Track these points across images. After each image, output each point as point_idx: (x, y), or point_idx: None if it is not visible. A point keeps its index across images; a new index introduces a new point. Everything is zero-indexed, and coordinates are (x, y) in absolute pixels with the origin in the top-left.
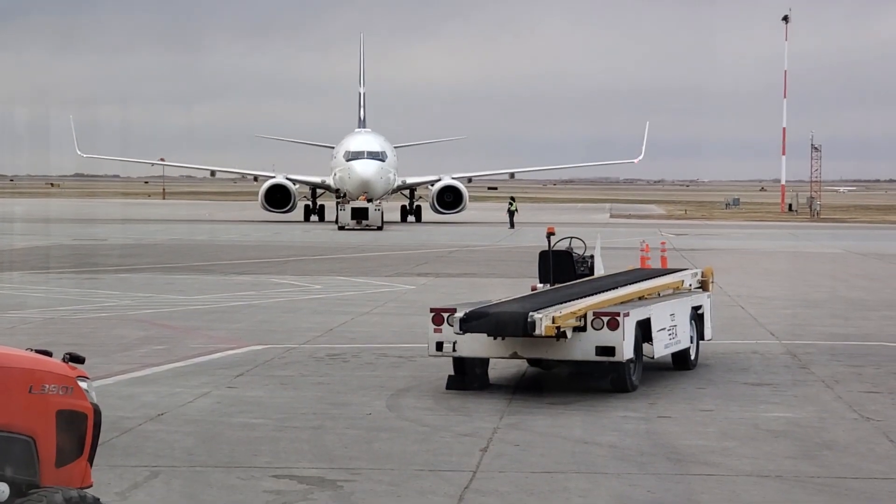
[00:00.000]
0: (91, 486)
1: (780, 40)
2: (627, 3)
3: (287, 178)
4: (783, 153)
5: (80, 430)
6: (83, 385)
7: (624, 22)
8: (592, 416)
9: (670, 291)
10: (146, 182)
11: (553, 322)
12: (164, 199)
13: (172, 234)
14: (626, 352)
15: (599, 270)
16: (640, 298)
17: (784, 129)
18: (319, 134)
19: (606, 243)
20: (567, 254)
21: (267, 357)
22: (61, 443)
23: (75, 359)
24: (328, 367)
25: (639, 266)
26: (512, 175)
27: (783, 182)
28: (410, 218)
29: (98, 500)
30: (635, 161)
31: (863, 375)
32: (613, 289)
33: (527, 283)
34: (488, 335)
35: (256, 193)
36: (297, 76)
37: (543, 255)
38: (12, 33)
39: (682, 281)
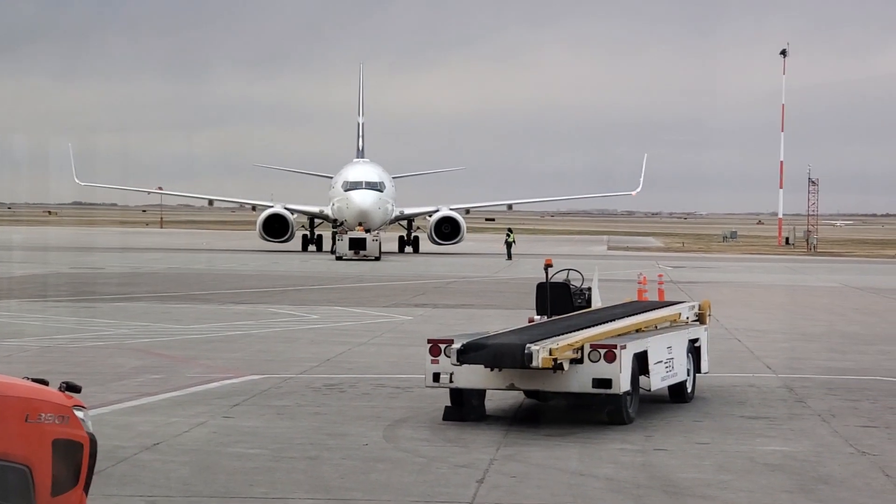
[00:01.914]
0: None
1: (778, 74)
2: (627, 36)
3: (285, 208)
4: (780, 186)
5: (75, 460)
6: (79, 414)
7: (623, 54)
8: (589, 449)
9: (667, 324)
10: (144, 210)
11: (550, 354)
12: (161, 227)
13: (170, 263)
14: (623, 384)
15: (597, 303)
16: (637, 331)
17: (781, 162)
18: (318, 163)
19: (604, 275)
20: (564, 286)
21: (264, 387)
22: (57, 472)
23: (72, 388)
24: (325, 398)
25: (636, 298)
26: (510, 206)
27: (780, 215)
28: (408, 248)
29: None
30: (633, 193)
31: (859, 410)
32: (611, 321)
33: (524, 314)
34: (485, 366)
35: (254, 223)
36: (297, 105)
37: (541, 287)
38: (12, 61)
39: (680, 314)
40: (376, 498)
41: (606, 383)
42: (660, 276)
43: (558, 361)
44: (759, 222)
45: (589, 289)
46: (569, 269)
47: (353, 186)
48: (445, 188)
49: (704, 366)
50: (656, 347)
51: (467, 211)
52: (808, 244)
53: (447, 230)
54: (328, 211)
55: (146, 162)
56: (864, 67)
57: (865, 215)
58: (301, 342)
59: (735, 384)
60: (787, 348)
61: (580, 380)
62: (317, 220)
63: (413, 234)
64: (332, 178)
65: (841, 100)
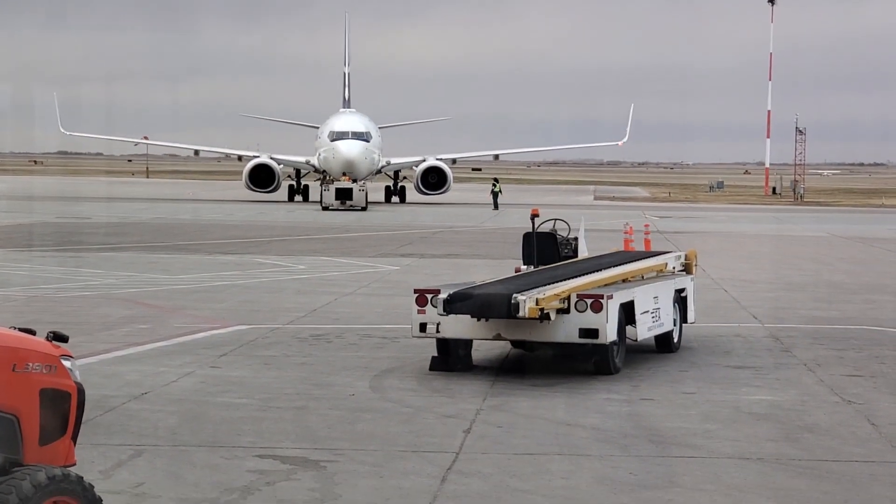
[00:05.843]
0: (74, 464)
1: (766, 22)
2: None
3: (271, 158)
4: (768, 136)
5: (63, 409)
6: (67, 364)
7: (610, 4)
8: (575, 399)
9: (654, 274)
10: (130, 160)
11: (537, 304)
12: (147, 177)
13: (156, 213)
14: (610, 334)
15: (583, 253)
16: (623, 281)
17: (769, 111)
18: (304, 114)
19: (590, 226)
20: (551, 236)
21: (251, 337)
22: (45, 421)
23: (59, 337)
24: (312, 348)
25: (622, 248)
26: (496, 156)
27: (767, 165)
28: (394, 199)
29: (81, 478)
30: (620, 143)
31: (844, 359)
32: (597, 271)
33: (511, 264)
34: (472, 316)
35: (240, 173)
36: (283, 56)
37: (527, 237)
38: None
39: (666, 264)
40: (363, 448)
41: (593, 333)
42: (646, 226)
43: (545, 311)
44: (746, 172)
45: (575, 239)
46: (555, 220)
47: (339, 136)
48: (432, 138)
49: (691, 316)
50: (643, 297)
51: (454, 161)
52: (795, 194)
53: (434, 180)
54: (315, 161)
55: (132, 111)
56: (853, 16)
57: (853, 164)
58: (287, 292)
59: (721, 334)
60: (774, 298)
61: (567, 330)
62: (303, 171)
63: (399, 185)
64: (318, 128)
65: (829, 49)
